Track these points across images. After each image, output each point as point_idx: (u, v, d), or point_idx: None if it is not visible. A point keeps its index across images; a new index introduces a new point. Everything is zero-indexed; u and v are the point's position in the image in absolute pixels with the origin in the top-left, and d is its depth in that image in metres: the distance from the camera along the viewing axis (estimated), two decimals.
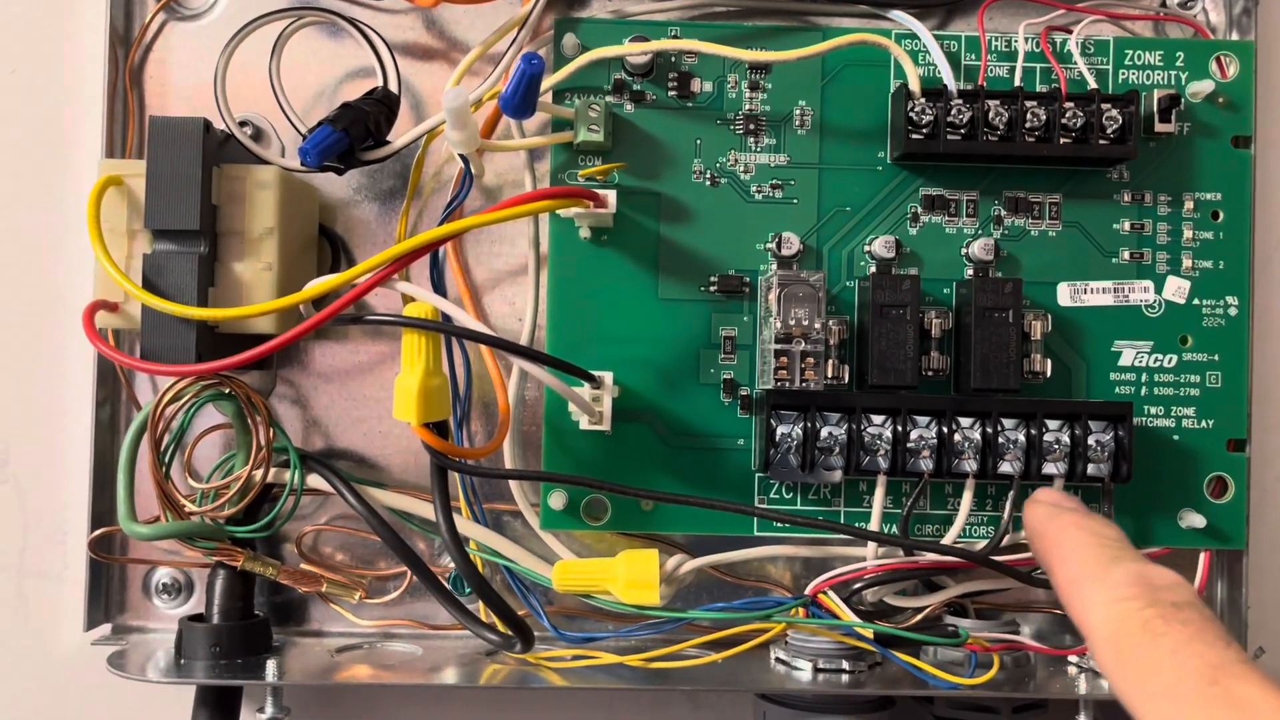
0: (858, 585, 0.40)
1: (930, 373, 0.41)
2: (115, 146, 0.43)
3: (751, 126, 0.42)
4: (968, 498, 0.41)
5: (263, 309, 0.36)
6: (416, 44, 0.45)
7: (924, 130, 0.41)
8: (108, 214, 0.37)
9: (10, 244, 0.44)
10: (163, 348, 0.37)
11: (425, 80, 0.44)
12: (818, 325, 0.39)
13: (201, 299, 0.37)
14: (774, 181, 0.42)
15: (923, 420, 0.40)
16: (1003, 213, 0.43)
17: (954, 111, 0.40)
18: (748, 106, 0.42)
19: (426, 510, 0.42)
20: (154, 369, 0.36)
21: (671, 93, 0.42)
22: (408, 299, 0.36)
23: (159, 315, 0.36)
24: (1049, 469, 0.40)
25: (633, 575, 0.39)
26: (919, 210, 0.43)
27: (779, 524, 0.41)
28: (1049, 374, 0.41)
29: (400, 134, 0.42)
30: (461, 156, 0.40)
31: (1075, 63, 0.42)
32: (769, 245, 0.42)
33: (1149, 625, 0.28)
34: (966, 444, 0.40)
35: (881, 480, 0.41)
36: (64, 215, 0.44)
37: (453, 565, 0.43)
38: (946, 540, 0.41)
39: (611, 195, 0.39)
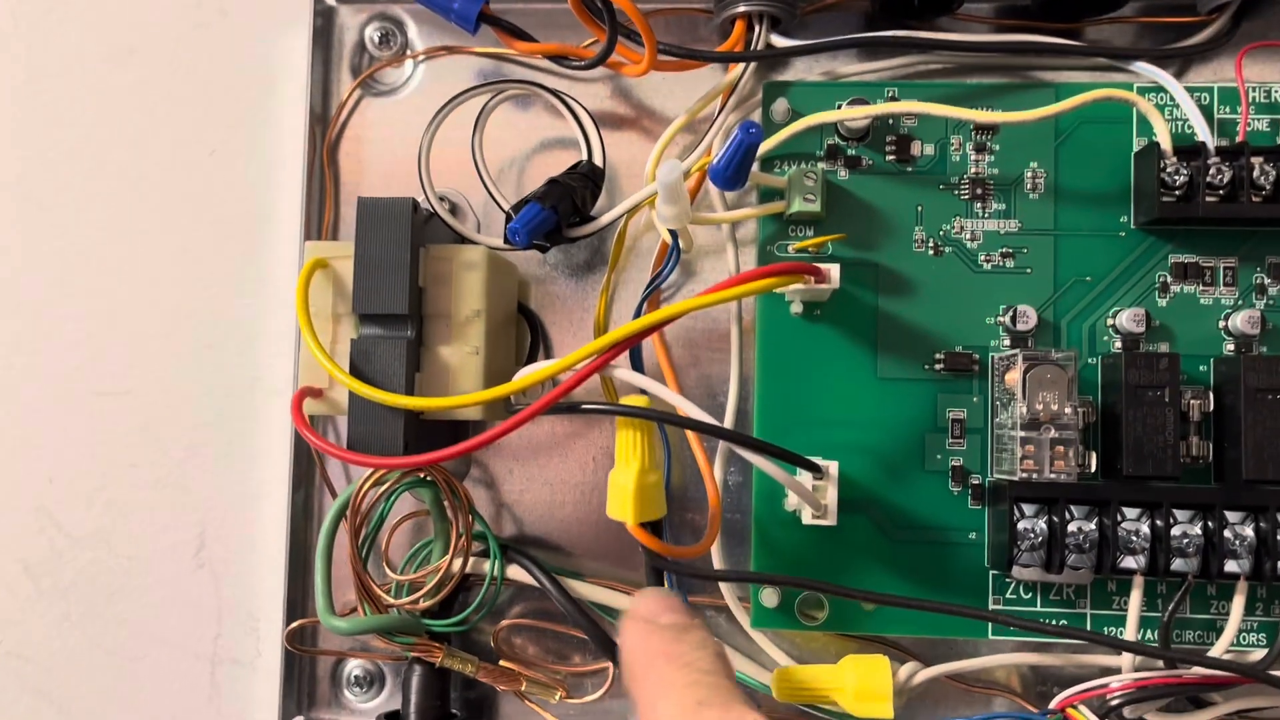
0: (1115, 700, 0.36)
1: (1188, 460, 0.37)
2: (312, 225, 0.42)
3: (978, 191, 0.39)
4: (1239, 602, 0.36)
5: (476, 399, 0.34)
6: (608, 112, 0.43)
7: (1178, 192, 0.37)
8: (313, 297, 0.36)
9: (209, 324, 0.43)
10: (370, 437, 0.35)
11: (619, 150, 0.42)
12: (1068, 410, 0.35)
13: (409, 386, 0.35)
14: (1004, 250, 0.39)
15: (1183, 515, 0.36)
16: (1266, 280, 0.38)
17: (1212, 170, 0.37)
18: (973, 169, 0.39)
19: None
20: (366, 461, 0.34)
21: (890, 157, 0.39)
22: (607, 381, 0.34)
23: (367, 403, 0.35)
24: None
25: (863, 685, 0.36)
26: (1169, 279, 0.38)
27: (1016, 629, 0.37)
28: None
29: (599, 206, 0.40)
30: (671, 231, 0.37)
31: None
32: (1001, 319, 0.39)
33: None
34: (1238, 542, 0.36)
35: (1138, 582, 0.36)
36: (261, 295, 0.43)
37: None
38: (1216, 651, 0.36)
39: (834, 270, 0.36)
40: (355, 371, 0.35)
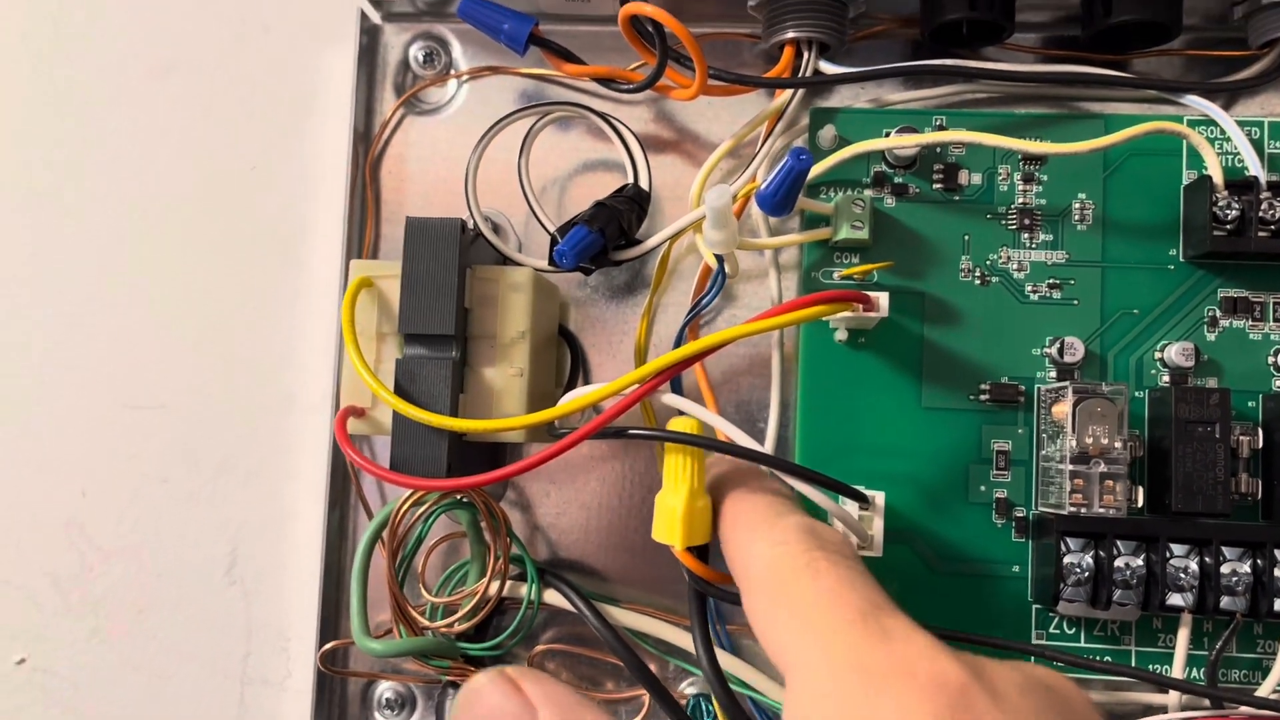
0: None
1: (1237, 497, 0.37)
2: (353, 243, 0.42)
3: (1025, 221, 0.39)
4: None
5: (521, 423, 0.34)
6: (651, 135, 0.43)
7: (1229, 226, 0.37)
8: (357, 316, 0.36)
9: (245, 340, 0.43)
10: (413, 458, 0.35)
11: (662, 173, 0.42)
12: (1118, 444, 0.35)
13: (453, 407, 0.35)
14: (1051, 280, 0.39)
15: (1232, 553, 0.35)
16: None
17: (1264, 205, 0.36)
18: (1021, 199, 0.39)
19: (663, 631, 0.39)
20: (410, 482, 0.34)
21: (936, 185, 0.39)
22: (647, 405, 0.34)
23: (410, 424, 0.35)
24: None
25: None
26: (1218, 314, 0.38)
27: (1060, 664, 0.37)
28: None
29: (644, 230, 0.40)
30: (717, 257, 0.37)
31: None
32: (1048, 350, 0.38)
33: (812, 564, 0.28)
34: None
35: (1186, 619, 0.36)
36: (298, 311, 0.43)
37: (690, 691, 0.40)
38: (1263, 691, 0.36)
39: (884, 298, 0.36)
40: (400, 392, 0.35)
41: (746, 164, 0.40)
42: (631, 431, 0.34)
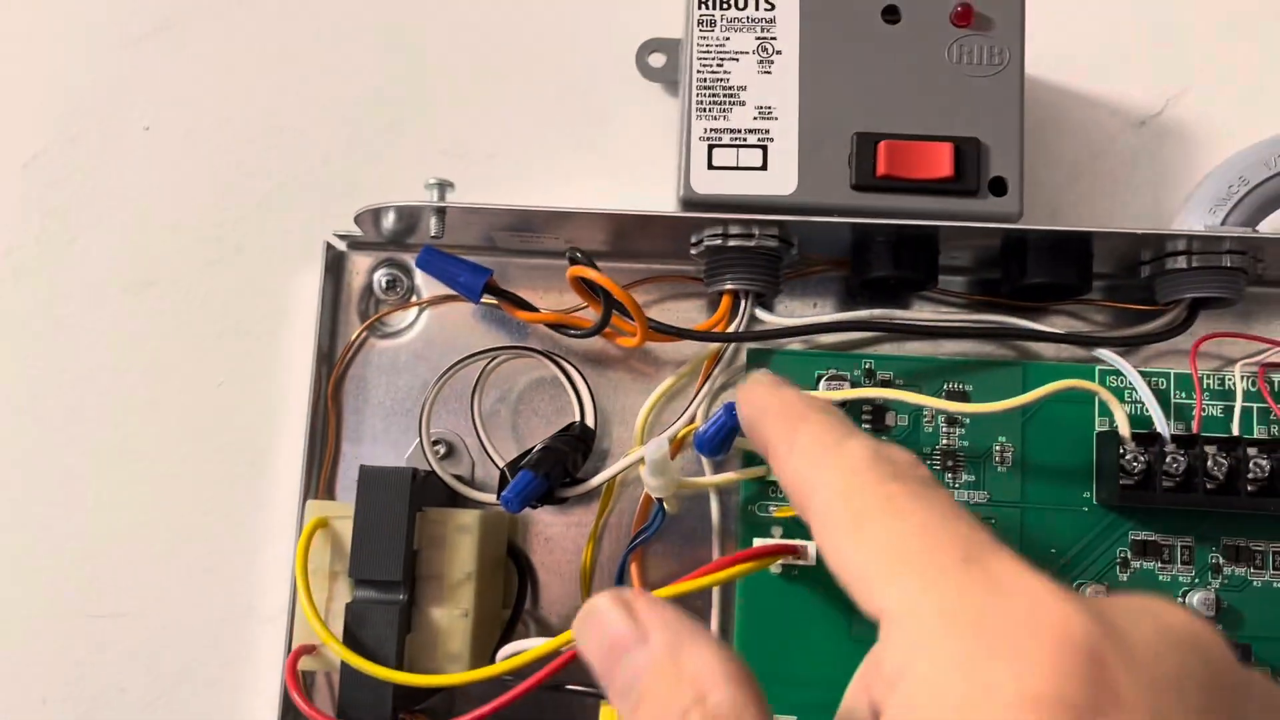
0: None
1: None
2: (315, 459, 0.44)
3: (949, 462, 0.41)
4: None
5: (462, 679, 0.35)
6: (597, 355, 0.45)
7: (1136, 477, 0.39)
8: (312, 554, 0.38)
9: (206, 550, 0.45)
10: (360, 703, 0.36)
11: (609, 398, 0.44)
12: None
13: (399, 650, 0.37)
14: None
15: None
16: (1221, 560, 0.40)
17: (1168, 460, 0.39)
18: (945, 441, 0.41)
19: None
20: None
21: (866, 425, 0.42)
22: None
23: (359, 670, 0.36)
24: None
25: None
26: (1129, 555, 0.40)
27: None
28: None
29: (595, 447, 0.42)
30: (658, 499, 0.39)
31: None
32: None
33: (894, 501, 0.25)
34: None
35: None
36: (258, 523, 0.45)
37: None
38: None
39: (812, 547, 0.38)
40: (349, 636, 0.37)
41: (689, 401, 0.42)
42: (569, 687, 0.35)
